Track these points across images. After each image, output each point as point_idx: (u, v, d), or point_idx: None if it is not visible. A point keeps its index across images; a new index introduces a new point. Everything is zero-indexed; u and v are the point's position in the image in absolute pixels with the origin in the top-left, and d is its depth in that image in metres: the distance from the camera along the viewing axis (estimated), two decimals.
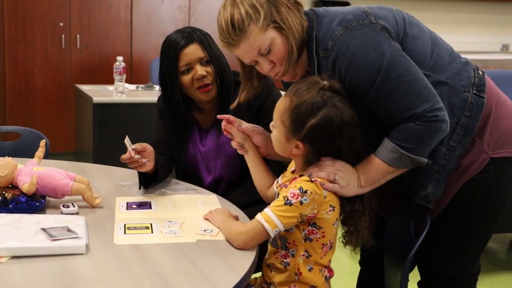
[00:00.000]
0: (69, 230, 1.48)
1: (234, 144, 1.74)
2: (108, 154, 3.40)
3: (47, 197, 1.74)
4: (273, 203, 1.48)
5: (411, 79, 1.48)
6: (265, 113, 2.00)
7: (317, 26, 1.56)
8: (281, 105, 1.52)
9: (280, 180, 1.63)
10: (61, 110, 5.20)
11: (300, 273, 1.51)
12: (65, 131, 5.17)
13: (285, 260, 1.52)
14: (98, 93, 4.11)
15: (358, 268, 2.04)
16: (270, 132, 1.57)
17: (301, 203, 1.43)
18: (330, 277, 1.56)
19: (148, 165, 1.87)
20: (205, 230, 1.59)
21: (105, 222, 1.65)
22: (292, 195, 1.44)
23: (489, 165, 1.60)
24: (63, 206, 1.70)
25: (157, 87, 4.19)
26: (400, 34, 1.55)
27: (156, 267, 1.36)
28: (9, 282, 1.26)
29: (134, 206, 1.79)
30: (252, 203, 1.87)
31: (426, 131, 1.48)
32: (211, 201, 1.86)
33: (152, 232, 1.59)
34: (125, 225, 1.62)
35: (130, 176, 2.07)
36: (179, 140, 2.15)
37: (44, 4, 5.03)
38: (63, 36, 5.12)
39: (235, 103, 1.77)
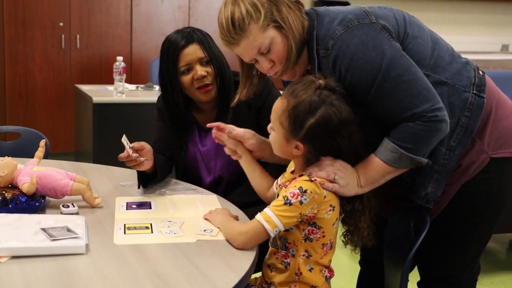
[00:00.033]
0: (69, 230, 1.48)
1: (226, 150, 1.75)
2: (108, 154, 3.39)
3: (47, 197, 1.74)
4: (273, 203, 1.48)
5: (411, 78, 1.48)
6: (265, 113, 2.00)
7: (317, 26, 1.56)
8: (279, 107, 1.52)
9: (280, 180, 1.63)
10: (61, 110, 5.20)
11: (301, 273, 1.51)
12: (65, 131, 5.17)
13: (285, 260, 1.52)
14: (98, 93, 4.11)
15: (358, 268, 2.04)
16: (264, 134, 1.57)
17: (301, 202, 1.43)
18: (331, 277, 1.56)
19: (147, 164, 1.87)
20: (205, 230, 1.59)
21: (105, 222, 1.65)
22: (292, 194, 1.44)
23: (489, 165, 1.60)
24: (63, 206, 1.70)
25: (157, 87, 4.19)
26: (401, 34, 1.55)
27: (156, 267, 1.36)
28: (9, 282, 1.25)
29: (134, 206, 1.79)
30: (252, 203, 1.87)
31: (426, 131, 1.48)
32: (211, 201, 1.86)
33: (152, 232, 1.59)
34: (125, 225, 1.62)
35: (130, 176, 2.06)
36: (179, 140, 2.15)
37: (44, 4, 5.03)
38: (63, 36, 5.12)
39: (235, 100, 1.76)
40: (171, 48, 2.03)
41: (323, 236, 1.50)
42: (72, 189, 1.73)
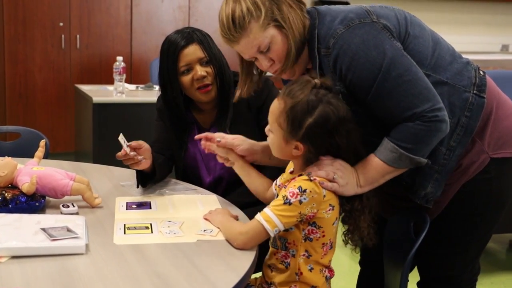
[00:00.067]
0: (69, 230, 1.48)
1: (218, 159, 1.77)
2: (108, 154, 3.39)
3: (47, 197, 1.74)
4: (272, 203, 1.48)
5: (411, 78, 1.48)
6: (265, 113, 1.99)
7: (319, 24, 1.56)
8: (276, 108, 1.52)
9: (279, 181, 1.64)
10: (61, 110, 5.20)
11: (301, 273, 1.51)
12: (65, 131, 5.17)
13: (285, 261, 1.52)
14: (98, 93, 4.11)
15: (358, 268, 2.04)
16: (264, 134, 1.57)
17: (300, 202, 1.43)
18: (331, 277, 1.56)
19: (145, 163, 1.86)
20: (205, 230, 1.59)
21: (105, 222, 1.65)
22: (291, 194, 1.44)
23: (490, 165, 1.60)
24: (63, 206, 1.70)
25: (157, 87, 4.19)
26: (402, 33, 1.55)
27: (156, 267, 1.36)
28: (9, 282, 1.25)
29: (134, 206, 1.79)
30: (252, 203, 1.87)
31: (426, 131, 1.48)
32: (211, 201, 1.86)
33: (152, 232, 1.58)
34: (125, 225, 1.62)
35: (130, 176, 2.06)
36: (179, 140, 2.15)
37: (44, 4, 5.03)
38: (63, 36, 5.12)
39: (236, 96, 1.76)
40: (171, 48, 2.03)
41: (323, 236, 1.50)
42: (72, 189, 1.73)
